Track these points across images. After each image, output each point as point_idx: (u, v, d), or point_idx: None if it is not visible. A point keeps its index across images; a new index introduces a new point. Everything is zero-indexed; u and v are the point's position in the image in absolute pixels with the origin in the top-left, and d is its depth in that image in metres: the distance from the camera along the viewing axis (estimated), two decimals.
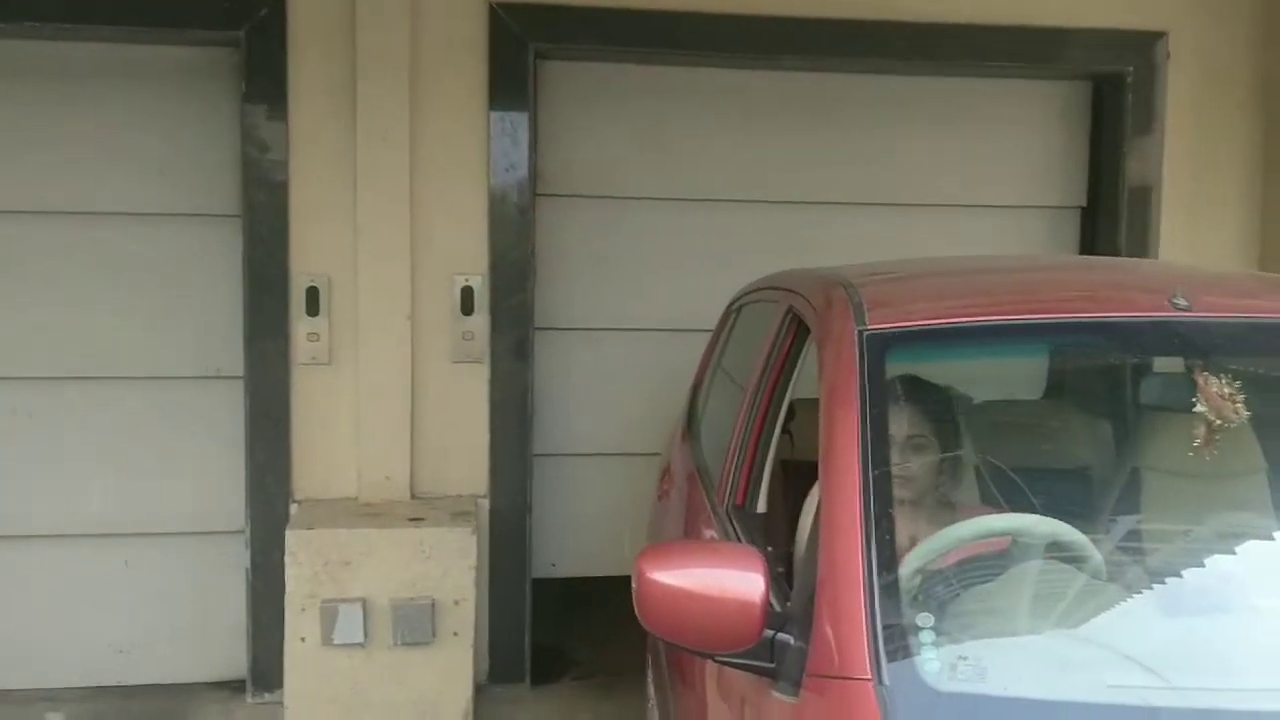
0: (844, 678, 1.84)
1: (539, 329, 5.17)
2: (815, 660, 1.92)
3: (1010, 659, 1.95)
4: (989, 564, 2.27)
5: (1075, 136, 5.55)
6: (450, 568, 4.54)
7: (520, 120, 4.98)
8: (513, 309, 5.02)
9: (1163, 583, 2.27)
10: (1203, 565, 2.33)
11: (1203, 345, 2.37)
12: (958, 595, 2.11)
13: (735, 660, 2.04)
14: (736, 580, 2.00)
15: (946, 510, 2.61)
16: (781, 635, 2.00)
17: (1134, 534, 2.59)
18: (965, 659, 1.89)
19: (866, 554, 1.97)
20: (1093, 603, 2.07)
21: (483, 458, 5.05)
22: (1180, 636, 2.02)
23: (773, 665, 2.00)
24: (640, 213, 5.31)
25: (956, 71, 5.36)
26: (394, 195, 4.87)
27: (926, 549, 2.28)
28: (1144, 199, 5.36)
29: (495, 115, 4.95)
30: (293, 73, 4.81)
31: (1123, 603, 2.12)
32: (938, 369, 2.68)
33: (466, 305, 4.99)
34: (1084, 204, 5.55)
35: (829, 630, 1.91)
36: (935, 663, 1.85)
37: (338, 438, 4.93)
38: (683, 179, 5.30)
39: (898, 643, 1.86)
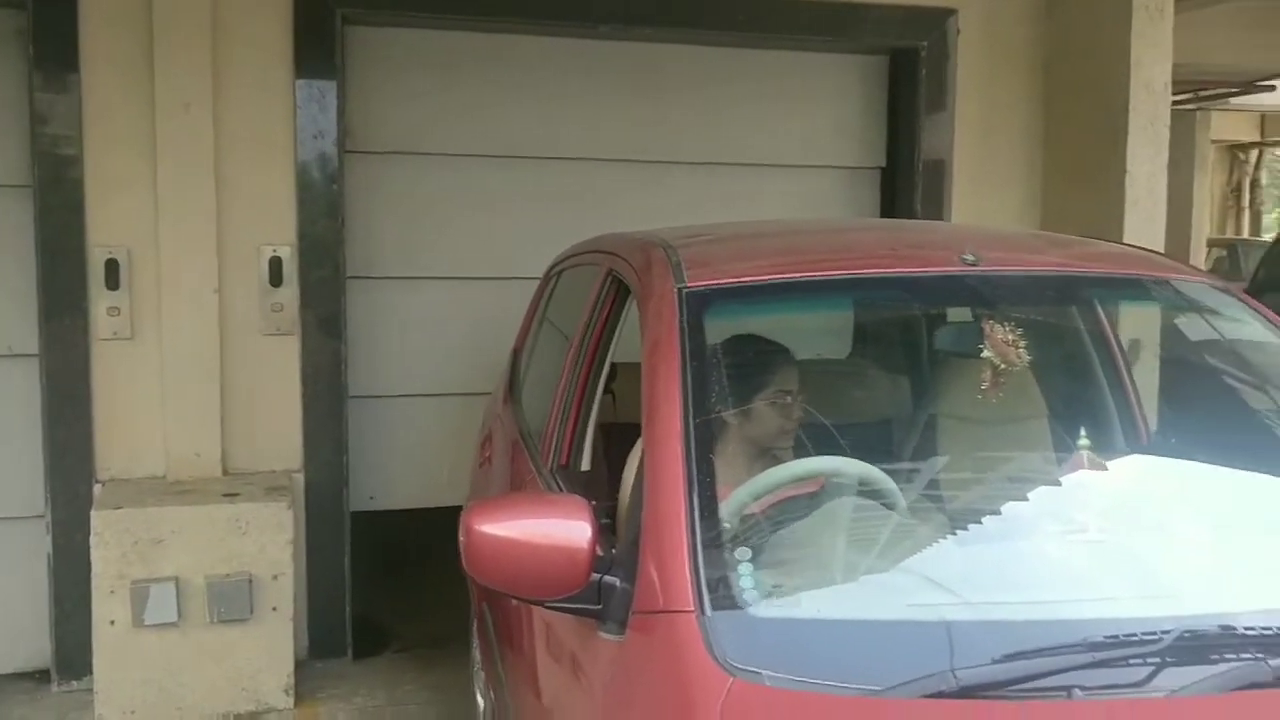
0: (668, 611, 1.92)
1: (355, 278, 5.13)
2: (641, 598, 1.99)
3: (822, 586, 2.07)
4: (805, 504, 2.39)
5: (875, 105, 5.80)
6: (267, 543, 4.47)
7: (328, 87, 4.90)
8: (323, 280, 4.95)
9: (958, 516, 2.42)
10: (991, 499, 2.49)
11: (988, 297, 2.54)
12: (775, 532, 2.22)
13: (564, 605, 2.09)
14: (562, 528, 2.05)
15: (782, 459, 2.74)
16: (608, 578, 2.07)
17: (933, 473, 2.74)
18: (780, 587, 2.00)
19: (688, 497, 2.05)
20: (896, 534, 2.20)
21: (296, 432, 4.97)
22: (973, 561, 2.16)
23: (599, 607, 2.06)
24: (455, 168, 5.31)
25: (766, 44, 5.55)
26: (197, 166, 4.73)
27: (747, 491, 2.38)
28: (937, 165, 5.63)
29: (301, 82, 4.86)
30: (84, 38, 4.61)
31: (923, 534, 2.25)
32: (755, 323, 2.78)
33: (275, 276, 4.89)
34: (883, 165, 5.80)
35: (653, 569, 1.99)
36: (753, 592, 1.95)
37: (143, 415, 4.77)
38: (497, 137, 5.31)
39: (718, 577, 1.95)
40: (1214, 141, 16.62)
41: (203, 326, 4.79)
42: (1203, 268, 14.80)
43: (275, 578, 4.49)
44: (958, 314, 2.77)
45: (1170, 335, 3.43)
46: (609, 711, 2.01)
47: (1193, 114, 13.96)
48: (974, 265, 2.59)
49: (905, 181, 5.69)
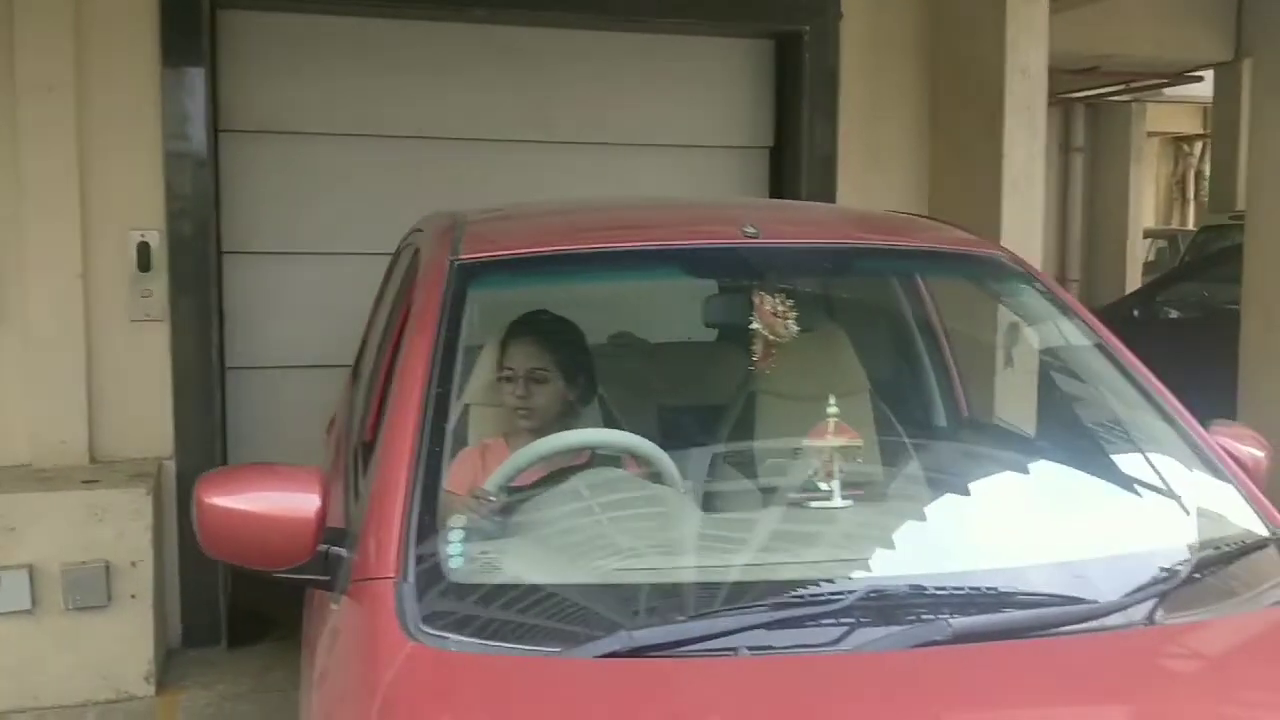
0: (371, 578, 1.91)
1: (234, 253, 5.13)
2: (357, 567, 1.98)
3: (535, 554, 2.06)
4: (561, 477, 2.38)
5: (762, 87, 5.81)
6: (125, 530, 4.42)
7: (196, 70, 4.87)
8: (195, 263, 4.91)
9: (715, 487, 2.42)
10: (751, 470, 2.49)
11: (764, 268, 2.53)
12: (514, 503, 2.21)
13: (293, 575, 2.08)
14: (291, 499, 2.04)
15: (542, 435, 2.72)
16: (335, 549, 2.05)
17: (712, 447, 2.74)
18: (487, 554, 1.99)
19: (412, 468, 2.04)
20: (640, 505, 2.19)
21: (167, 419, 4.93)
22: (700, 530, 2.16)
23: (328, 577, 2.05)
24: (330, 147, 5.30)
25: (651, 29, 5.56)
26: (60, 150, 4.69)
27: (510, 465, 2.37)
28: (822, 147, 5.64)
29: (169, 64, 4.82)
30: None
31: (676, 505, 2.24)
32: (532, 297, 2.77)
33: (143, 261, 4.85)
34: (771, 145, 5.81)
35: (370, 539, 1.98)
36: (459, 559, 1.94)
37: (7, 402, 4.73)
38: (373, 117, 5.30)
39: (427, 544, 1.94)
40: (1155, 134, 16.72)
41: (68, 313, 4.74)
42: (1141, 257, 14.97)
43: (134, 565, 4.45)
44: (734, 286, 2.75)
45: (956, 309, 3.44)
46: (321, 677, 2.01)
47: (1128, 106, 14.03)
48: (755, 237, 2.58)
49: (792, 162, 5.70)
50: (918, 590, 1.84)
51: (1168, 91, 13.16)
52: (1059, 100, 13.53)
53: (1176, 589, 1.94)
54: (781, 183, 5.76)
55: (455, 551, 1.95)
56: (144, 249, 4.85)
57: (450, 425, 2.20)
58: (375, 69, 5.30)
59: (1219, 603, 1.99)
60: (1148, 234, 16.00)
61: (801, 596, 1.81)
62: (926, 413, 3.40)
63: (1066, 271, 14.03)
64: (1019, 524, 2.21)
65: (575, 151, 5.55)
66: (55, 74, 4.66)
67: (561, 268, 2.57)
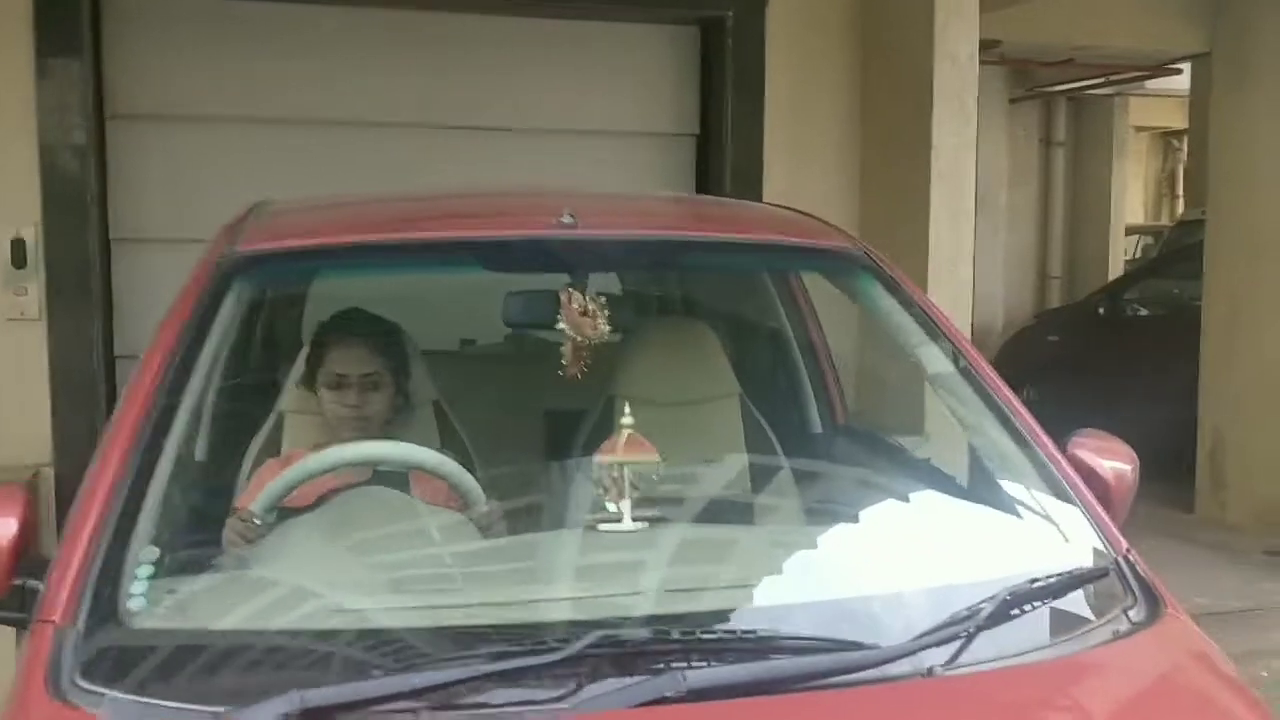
0: (40, 621, 1.65)
1: (123, 240, 4.88)
2: (41, 604, 1.72)
3: (240, 592, 1.79)
4: (327, 499, 2.13)
5: (687, 74, 5.54)
6: None
7: (72, 57, 4.62)
8: (76, 256, 4.66)
9: (525, 514, 2.16)
10: (576, 492, 2.22)
11: (572, 260, 2.26)
12: (265, 531, 1.96)
13: None
14: None
15: None
16: (33, 582, 1.79)
17: (550, 463, 2.49)
18: (178, 593, 1.73)
19: (114, 490, 1.78)
20: (402, 535, 1.94)
21: (44, 424, 4.67)
22: (451, 562, 1.89)
23: (24, 615, 1.79)
24: (225, 132, 5.03)
25: (572, 14, 5.33)
26: None
27: (279, 483, 2.12)
28: (748, 135, 5.37)
29: (43, 53, 4.57)
30: None
31: (442, 533, 1.98)
32: (324, 290, 2.52)
33: (18, 258, 4.60)
34: (697, 132, 5.55)
35: (53, 573, 1.72)
36: (140, 600, 1.68)
37: None
38: (273, 101, 5.03)
39: (109, 583, 1.68)
40: (1143, 129, 16.33)
41: None
42: (1125, 254, 14.62)
43: None
44: (541, 280, 2.48)
45: (789, 303, 3.16)
46: None
47: (1110, 99, 13.69)
48: (571, 227, 2.32)
49: (717, 150, 5.43)
50: (660, 635, 1.57)
51: (1150, 85, 12.82)
52: (1039, 94, 13.23)
53: (983, 629, 1.68)
54: (708, 171, 5.49)
55: (138, 590, 1.68)
56: (18, 245, 4.61)
57: (175, 440, 1.93)
58: (275, 52, 5.03)
59: (1035, 643, 1.72)
60: (1131, 230, 15.66)
61: (522, 644, 1.54)
62: (800, 419, 3.14)
63: (1047, 269, 13.72)
64: (818, 554, 1.94)
65: (489, 137, 5.29)
66: None
67: (347, 260, 2.31)
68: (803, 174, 5.45)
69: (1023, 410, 2.23)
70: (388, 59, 5.17)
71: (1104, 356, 8.28)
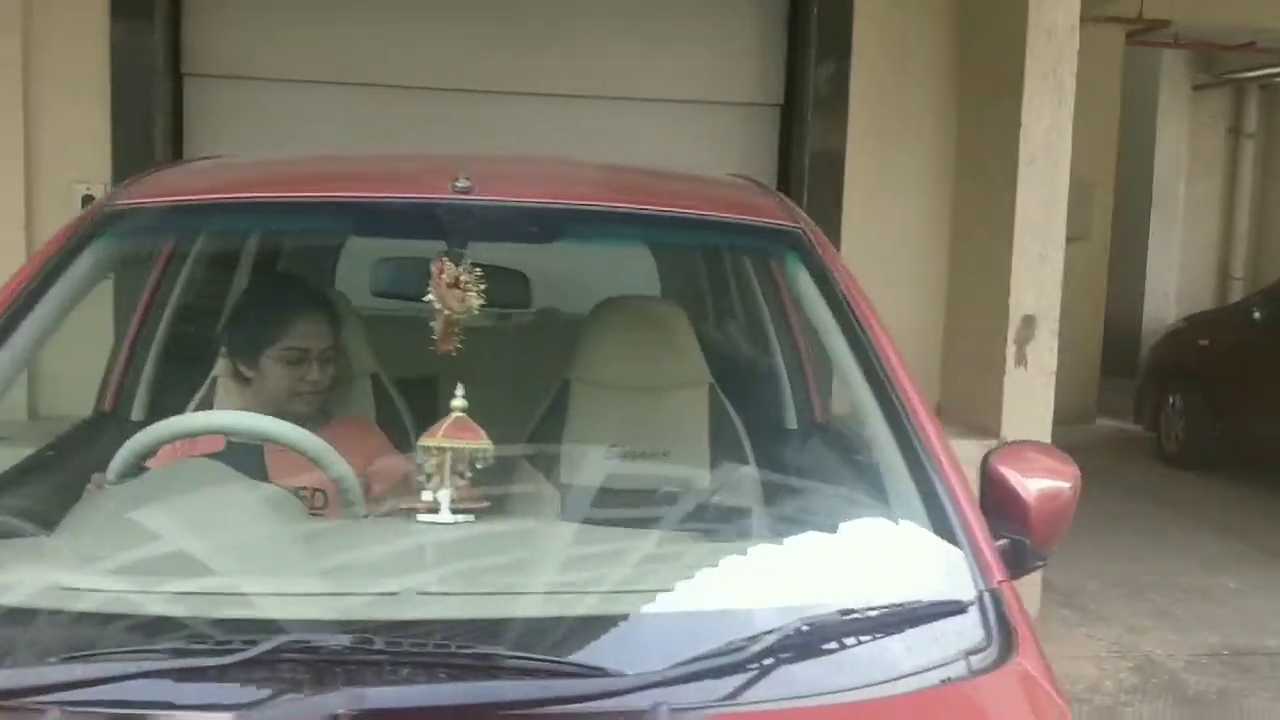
0: None
1: None
2: None
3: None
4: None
5: (773, 40, 5.28)
6: None
7: (150, 15, 4.69)
8: None
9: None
10: None
11: (455, 226, 2.09)
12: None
13: None
14: None
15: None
16: None
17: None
18: None
19: None
20: (185, 508, 1.81)
21: None
22: (260, 554, 1.74)
23: None
24: (302, 94, 5.02)
25: None
26: (6, 98, 4.58)
27: (128, 450, 2.04)
28: (833, 106, 5.09)
29: (118, 8, 4.66)
30: None
31: (247, 514, 1.84)
32: (191, 245, 2.42)
33: None
34: (782, 102, 5.29)
35: None
36: None
37: None
38: (348, 63, 5.00)
39: None
40: None
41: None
42: None
43: None
44: (416, 248, 2.31)
45: (715, 281, 2.89)
46: None
47: None
48: (466, 191, 2.15)
49: (800, 121, 5.16)
50: (360, 644, 1.39)
51: None
52: (1228, 80, 12.31)
53: (752, 664, 1.45)
54: (790, 143, 5.23)
55: None
56: (88, 202, 4.70)
57: None
58: (354, 13, 5.02)
59: (824, 686, 1.48)
60: None
61: (201, 642, 1.39)
62: (773, 415, 2.90)
63: (1229, 268, 12.78)
64: (625, 566, 1.72)
65: (564, 105, 5.16)
66: (1, 18, 4.54)
67: (212, 219, 2.20)
68: (890, 150, 5.15)
69: (924, 418, 1.96)
70: (468, 25, 5.10)
71: (1257, 365, 7.62)
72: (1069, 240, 9.35)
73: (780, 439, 2.80)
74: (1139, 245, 12.20)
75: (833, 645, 1.53)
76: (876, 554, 1.78)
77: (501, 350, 2.98)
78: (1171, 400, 8.39)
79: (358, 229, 2.30)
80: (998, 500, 2.00)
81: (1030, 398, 4.78)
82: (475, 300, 2.07)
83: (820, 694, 1.47)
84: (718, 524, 1.92)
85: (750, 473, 2.37)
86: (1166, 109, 12.24)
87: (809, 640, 1.51)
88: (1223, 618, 5.27)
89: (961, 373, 5.14)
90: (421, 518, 1.81)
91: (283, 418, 2.49)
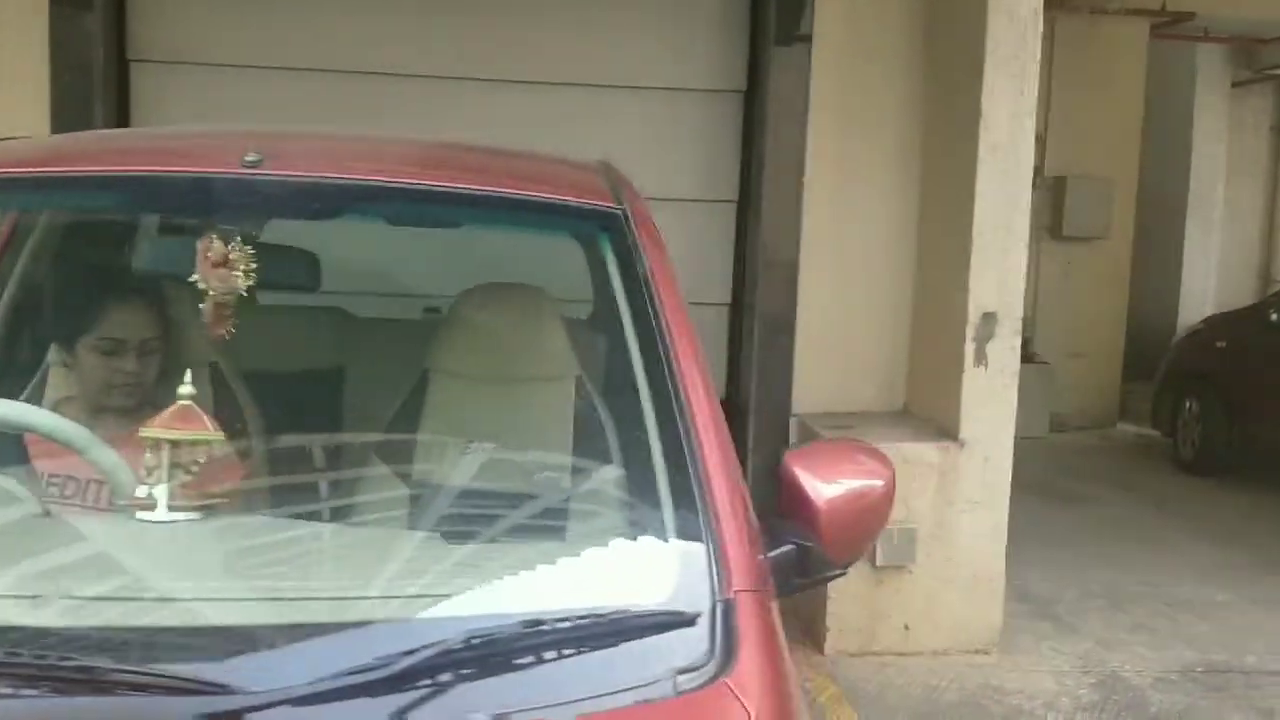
0: None
1: None
2: None
3: None
4: None
5: (735, 27, 5.10)
6: None
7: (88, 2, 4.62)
8: None
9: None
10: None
11: (238, 203, 1.96)
12: None
13: None
14: None
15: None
16: None
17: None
18: None
19: None
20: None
21: None
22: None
23: None
24: (252, 81, 4.91)
25: None
26: None
27: None
28: (792, 95, 4.90)
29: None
30: None
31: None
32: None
33: None
34: (744, 89, 5.12)
35: None
36: None
37: None
38: (301, 48, 4.91)
39: None
40: None
41: None
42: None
43: None
44: (185, 225, 2.17)
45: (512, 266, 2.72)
46: None
47: None
48: (255, 166, 2.02)
49: (760, 108, 4.99)
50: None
51: None
52: (1270, 76, 11.89)
53: (426, 679, 1.30)
54: (752, 131, 5.06)
55: None
56: None
57: None
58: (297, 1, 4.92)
59: (507, 700, 1.32)
60: None
61: None
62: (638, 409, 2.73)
63: (1271, 271, 12.35)
64: (321, 570, 1.58)
65: (522, 91, 5.02)
66: None
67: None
68: (854, 143, 4.96)
69: (699, 414, 1.80)
70: (419, 10, 4.98)
71: (1274, 367, 7.30)
72: (1086, 239, 9.15)
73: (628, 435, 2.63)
74: (1174, 245, 11.80)
75: (511, 660, 1.37)
76: (606, 560, 1.62)
77: (371, 342, 2.86)
78: (1188, 404, 8.08)
79: (139, 206, 2.17)
80: (790, 503, 1.83)
81: (991, 399, 4.57)
82: (241, 280, 1.94)
83: (481, 714, 1.32)
84: (473, 526, 1.77)
85: (557, 471, 2.20)
86: (1204, 105, 11.83)
87: (483, 655, 1.36)
88: (1203, 632, 5.01)
89: (925, 373, 4.94)
90: (140, 515, 1.68)
91: (101, 410, 2.39)
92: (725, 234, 5.16)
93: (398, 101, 4.94)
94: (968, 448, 4.59)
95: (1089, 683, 4.49)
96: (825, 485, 1.82)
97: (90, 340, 2.36)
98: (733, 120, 5.15)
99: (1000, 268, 4.52)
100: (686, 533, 1.62)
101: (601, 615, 1.44)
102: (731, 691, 1.40)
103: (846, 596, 4.61)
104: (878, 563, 4.56)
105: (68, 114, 4.64)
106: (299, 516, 1.77)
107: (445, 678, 1.32)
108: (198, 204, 2.04)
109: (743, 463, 4.98)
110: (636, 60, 5.07)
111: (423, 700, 1.30)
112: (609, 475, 1.91)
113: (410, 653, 1.31)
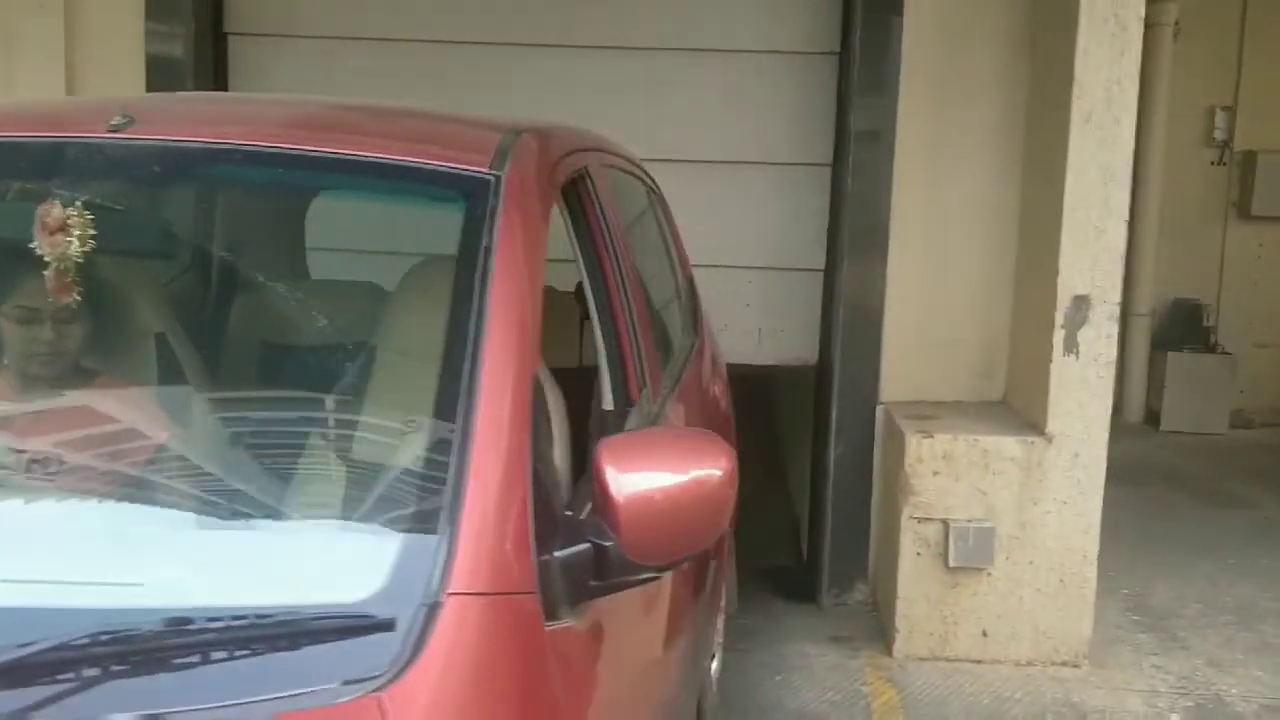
0: None
1: None
2: None
3: None
4: None
5: None
6: None
7: None
8: None
9: None
10: None
11: (92, 169, 1.93)
12: None
13: None
14: None
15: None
16: None
17: None
18: None
19: None
20: None
21: None
22: None
23: None
24: (350, 53, 4.94)
25: None
26: (52, 66, 4.75)
27: None
28: (882, 56, 4.59)
29: None
30: None
31: None
32: None
33: None
34: (838, 50, 4.84)
35: None
36: None
37: None
38: (403, 19, 4.90)
39: None
40: None
41: None
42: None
43: None
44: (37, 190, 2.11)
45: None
46: None
47: None
48: (119, 129, 1.99)
49: (848, 73, 4.71)
50: None
51: None
52: None
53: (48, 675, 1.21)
54: (845, 97, 4.77)
55: None
56: None
57: None
58: None
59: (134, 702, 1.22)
60: None
61: None
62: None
63: None
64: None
65: (609, 57, 4.90)
66: None
67: None
68: (951, 111, 4.62)
69: (486, 404, 1.64)
70: None
71: None
72: (1266, 219, 8.34)
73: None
74: None
75: (153, 660, 1.27)
76: (319, 550, 1.49)
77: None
78: None
79: (13, 173, 2.16)
80: (597, 497, 1.66)
81: (1082, 390, 4.19)
82: (75, 246, 1.90)
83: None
84: (188, 507, 1.67)
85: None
86: None
87: (122, 651, 1.25)
88: None
89: (1020, 362, 4.58)
90: None
91: (27, 379, 2.40)
92: (819, 198, 4.90)
93: (491, 70, 4.89)
94: (1055, 443, 4.22)
95: (1184, 706, 4.08)
96: (630, 478, 1.64)
97: (7, 309, 2.36)
98: (827, 82, 4.87)
99: (1094, 247, 4.12)
100: (421, 525, 1.48)
101: (266, 615, 1.31)
102: (379, 708, 1.26)
103: (918, 598, 4.33)
104: (950, 563, 4.25)
105: (161, 89, 4.78)
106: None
107: (68, 674, 1.23)
108: (59, 168, 2.01)
109: (823, 454, 4.79)
110: (725, 23, 4.86)
111: (42, 699, 1.21)
112: (362, 456, 1.77)
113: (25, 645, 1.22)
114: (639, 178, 3.51)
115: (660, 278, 3.41)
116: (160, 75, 4.77)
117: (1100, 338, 4.16)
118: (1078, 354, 4.16)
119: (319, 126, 2.15)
